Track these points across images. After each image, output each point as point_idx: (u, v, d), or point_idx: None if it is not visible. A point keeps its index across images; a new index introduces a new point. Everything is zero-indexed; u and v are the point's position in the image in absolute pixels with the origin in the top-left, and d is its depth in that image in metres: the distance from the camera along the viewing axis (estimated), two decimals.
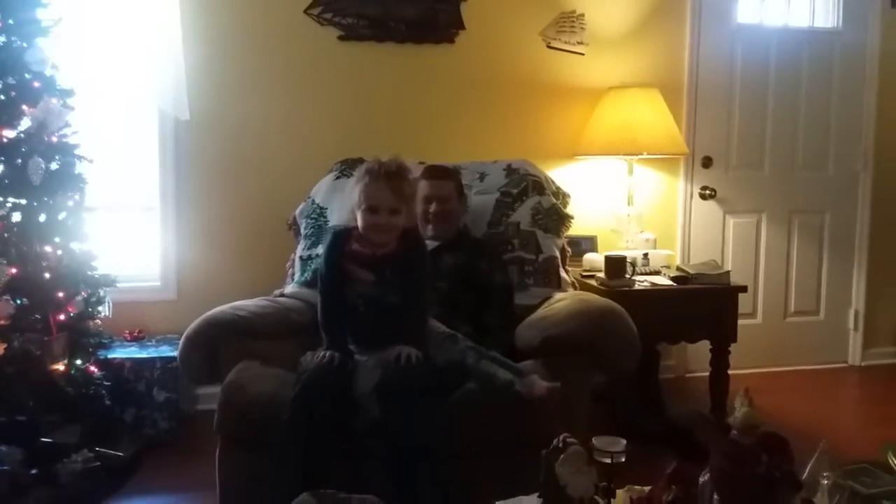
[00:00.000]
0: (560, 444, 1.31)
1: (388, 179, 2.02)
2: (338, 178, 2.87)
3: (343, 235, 2.12)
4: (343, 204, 2.72)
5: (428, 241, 2.45)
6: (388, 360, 1.97)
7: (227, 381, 2.12)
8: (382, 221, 2.02)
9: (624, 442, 1.48)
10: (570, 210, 2.91)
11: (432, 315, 2.19)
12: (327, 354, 2.02)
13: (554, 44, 3.55)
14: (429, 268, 2.21)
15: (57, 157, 2.59)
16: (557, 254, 2.72)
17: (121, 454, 2.60)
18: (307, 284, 2.63)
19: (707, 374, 3.15)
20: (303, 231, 2.80)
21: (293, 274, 2.74)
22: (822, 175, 3.98)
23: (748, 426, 1.31)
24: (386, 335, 2.04)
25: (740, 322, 3.19)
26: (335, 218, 2.73)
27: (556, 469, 1.30)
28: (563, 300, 2.47)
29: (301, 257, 2.73)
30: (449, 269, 2.42)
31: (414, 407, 1.87)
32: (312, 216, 2.81)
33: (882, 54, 3.92)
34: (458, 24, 3.42)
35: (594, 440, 1.47)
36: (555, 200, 2.82)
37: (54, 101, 2.55)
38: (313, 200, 2.85)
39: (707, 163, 3.78)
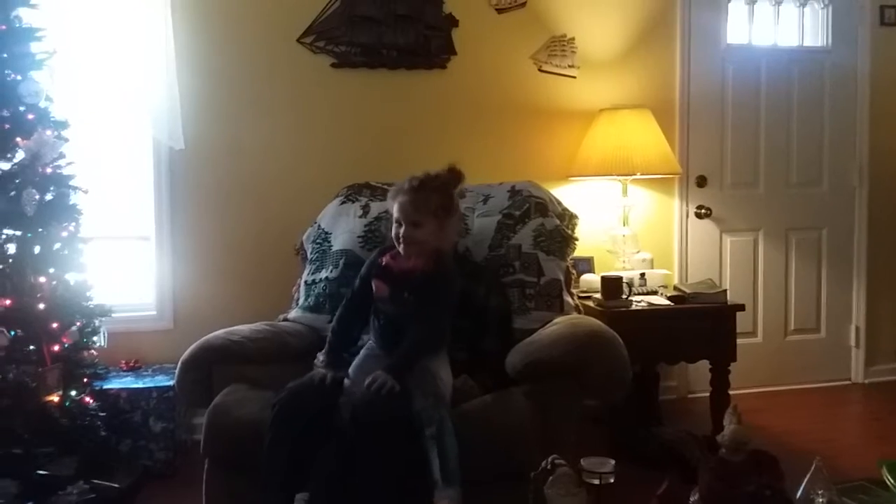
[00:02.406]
0: (549, 466, 1.30)
1: (410, 192, 2.06)
2: (343, 203, 2.87)
3: (383, 251, 2.16)
4: (347, 228, 2.74)
5: None
6: (365, 385, 1.93)
7: (212, 404, 2.15)
8: (403, 233, 2.04)
9: (613, 462, 1.46)
10: (577, 232, 2.85)
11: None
12: (318, 374, 2.03)
13: (545, 67, 3.58)
14: (452, 298, 2.10)
15: (51, 189, 2.60)
16: (561, 276, 2.64)
17: (117, 486, 2.57)
18: (310, 309, 2.64)
19: (709, 394, 3.12)
20: (309, 256, 2.80)
21: (298, 299, 2.74)
22: (817, 191, 3.99)
23: (737, 444, 1.29)
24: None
25: (741, 341, 3.17)
26: (339, 243, 2.72)
27: (544, 491, 1.28)
28: (555, 324, 2.42)
29: (306, 282, 2.73)
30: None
31: (380, 439, 1.83)
32: (317, 241, 2.80)
33: (872, 71, 3.95)
34: (450, 50, 3.46)
35: (583, 461, 1.45)
36: (559, 222, 2.76)
37: (48, 132, 2.57)
38: (319, 225, 2.85)
39: (701, 182, 3.78)
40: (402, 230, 2.05)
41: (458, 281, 2.15)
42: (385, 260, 2.11)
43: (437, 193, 2.08)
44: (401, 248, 2.08)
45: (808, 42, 3.95)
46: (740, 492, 1.23)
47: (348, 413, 1.91)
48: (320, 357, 2.16)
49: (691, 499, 1.33)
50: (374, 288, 2.10)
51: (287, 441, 1.89)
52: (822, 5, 3.93)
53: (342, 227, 2.77)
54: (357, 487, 1.82)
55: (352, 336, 2.20)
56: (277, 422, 1.91)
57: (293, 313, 2.69)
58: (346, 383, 2.03)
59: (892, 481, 1.52)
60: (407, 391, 1.91)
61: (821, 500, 1.43)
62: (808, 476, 1.47)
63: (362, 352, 2.13)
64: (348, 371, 2.09)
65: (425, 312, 2.02)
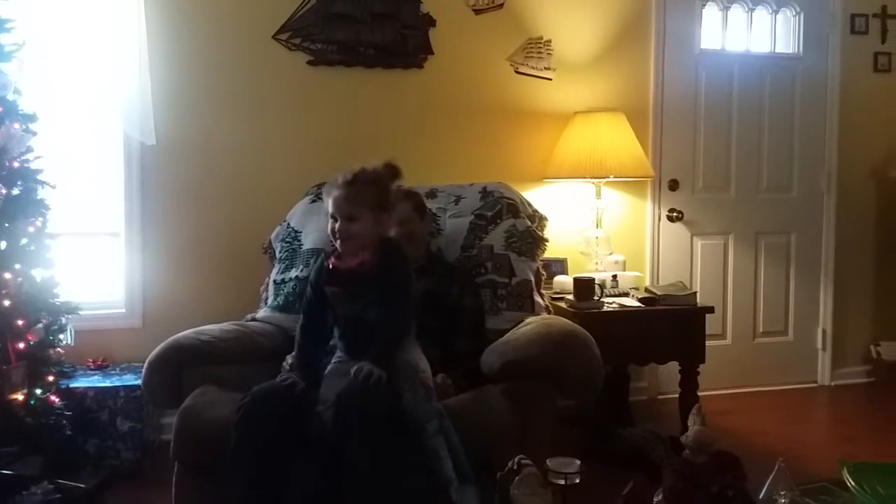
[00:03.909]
0: (515, 467, 1.30)
1: (344, 186, 2.02)
2: (313, 201, 2.86)
3: (327, 256, 2.12)
4: (317, 227, 2.72)
5: None
6: (349, 373, 1.91)
7: (182, 406, 2.12)
8: (339, 228, 2.01)
9: (578, 463, 1.47)
10: (546, 233, 2.89)
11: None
12: (289, 379, 2.00)
13: (522, 69, 3.60)
14: (410, 281, 2.11)
15: (18, 183, 2.56)
16: (531, 277, 2.69)
17: (83, 486, 2.54)
18: (279, 308, 2.62)
19: (678, 395, 3.16)
20: (277, 255, 2.79)
21: (266, 298, 2.72)
22: (787, 196, 4.05)
23: (700, 445, 1.30)
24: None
25: (710, 343, 3.22)
26: (309, 241, 2.71)
27: (510, 491, 1.29)
28: (529, 324, 2.45)
29: (275, 281, 2.71)
30: (419, 293, 2.40)
31: (366, 429, 1.81)
32: (287, 240, 2.79)
33: (842, 78, 4.02)
34: (427, 50, 3.46)
35: (548, 461, 1.46)
36: (529, 223, 2.80)
37: (16, 126, 2.53)
38: (288, 224, 2.84)
39: (674, 185, 3.83)
40: (337, 225, 2.02)
41: (411, 265, 2.14)
42: (332, 263, 2.07)
43: (371, 186, 2.04)
44: (338, 244, 2.04)
45: (780, 49, 4.01)
46: (703, 492, 1.25)
47: (328, 421, 1.88)
48: (289, 359, 2.13)
49: (655, 499, 1.34)
50: (329, 294, 2.06)
51: (253, 443, 1.87)
52: (794, 13, 3.99)
53: (313, 225, 2.76)
54: (340, 499, 1.81)
55: (320, 345, 2.14)
56: (243, 424, 1.89)
57: (262, 313, 2.67)
58: (321, 396, 1.99)
59: (852, 483, 1.55)
60: (393, 383, 1.89)
61: (783, 500, 1.45)
62: (771, 477, 1.49)
63: (332, 363, 2.08)
64: (319, 387, 2.04)
65: (388, 301, 2.00)
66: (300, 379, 2.00)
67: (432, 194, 2.87)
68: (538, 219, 2.90)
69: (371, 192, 2.03)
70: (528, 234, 2.75)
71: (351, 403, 1.84)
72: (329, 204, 2.04)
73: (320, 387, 2.02)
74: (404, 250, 2.14)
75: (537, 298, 2.68)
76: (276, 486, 1.87)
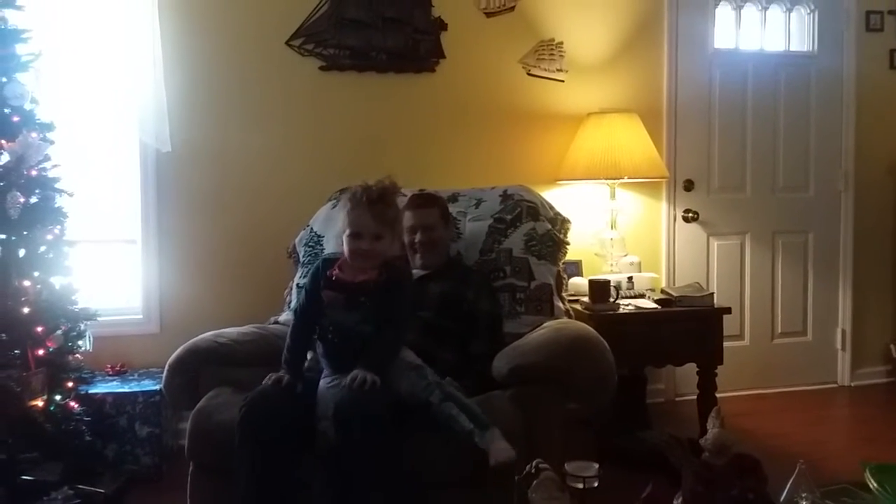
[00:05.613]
0: (532, 470, 1.30)
1: (370, 205, 2.01)
2: (335, 206, 2.87)
3: (329, 262, 2.11)
4: (339, 231, 2.73)
5: (417, 271, 2.46)
6: (345, 384, 1.92)
7: (196, 408, 2.14)
8: (365, 247, 2.00)
9: (596, 466, 1.46)
10: (568, 237, 2.85)
11: (410, 344, 2.11)
12: (273, 376, 2.02)
13: (534, 71, 3.59)
14: (410, 299, 2.15)
15: (36, 191, 2.58)
16: (551, 281, 2.65)
17: (102, 491, 2.56)
18: None
19: (696, 397, 3.13)
20: (301, 259, 2.81)
21: (290, 302, 2.74)
22: (803, 196, 4.01)
23: (720, 447, 1.29)
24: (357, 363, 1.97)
25: (728, 344, 3.20)
26: (331, 246, 2.73)
27: (528, 495, 1.28)
28: (544, 329, 2.42)
29: (298, 285, 2.73)
30: (434, 297, 2.40)
31: (368, 434, 1.82)
32: (310, 244, 2.81)
33: (858, 76, 3.98)
34: (439, 54, 3.46)
35: (566, 465, 1.45)
36: (550, 227, 2.77)
37: (34, 135, 2.56)
38: (311, 228, 2.86)
39: (689, 186, 3.80)
40: (362, 243, 1.99)
41: (412, 285, 2.18)
42: (335, 274, 2.05)
43: (389, 206, 2.05)
44: (356, 262, 2.02)
45: (795, 47, 3.98)
46: (723, 495, 1.23)
47: (330, 410, 1.89)
48: (272, 377, 2.09)
49: (675, 502, 1.33)
50: (325, 298, 2.04)
51: (254, 442, 1.88)
52: (809, 11, 3.96)
53: (335, 230, 2.77)
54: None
55: (306, 349, 2.14)
56: (244, 423, 1.90)
57: (284, 316, 2.69)
58: (319, 412, 1.98)
59: (874, 484, 1.53)
60: (388, 384, 1.91)
61: (804, 503, 1.44)
62: (791, 479, 1.47)
63: (321, 384, 2.05)
64: (304, 381, 2.06)
65: (391, 318, 2.00)
66: (287, 374, 2.02)
67: (454, 198, 2.86)
68: (560, 221, 2.85)
69: (391, 210, 2.05)
70: (549, 238, 2.72)
71: (349, 412, 1.85)
72: (350, 220, 2.03)
73: (307, 386, 2.03)
74: (408, 269, 2.19)
75: (557, 302, 2.64)
76: (279, 484, 1.88)
